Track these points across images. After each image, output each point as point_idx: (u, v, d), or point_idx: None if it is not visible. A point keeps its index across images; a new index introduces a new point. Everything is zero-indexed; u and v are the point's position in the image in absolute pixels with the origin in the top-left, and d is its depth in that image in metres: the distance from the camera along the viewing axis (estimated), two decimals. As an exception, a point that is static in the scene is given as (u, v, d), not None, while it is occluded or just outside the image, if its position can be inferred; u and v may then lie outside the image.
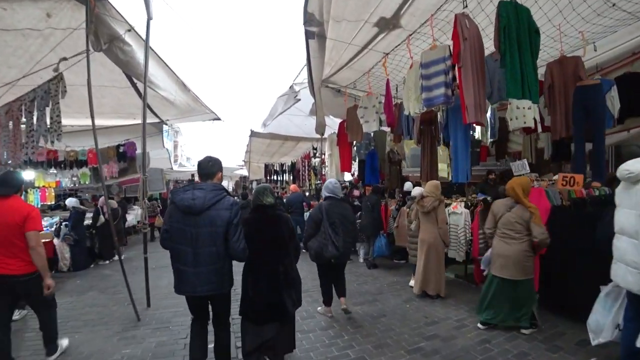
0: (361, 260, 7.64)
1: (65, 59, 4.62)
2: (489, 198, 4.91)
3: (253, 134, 12.02)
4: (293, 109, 9.17)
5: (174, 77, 6.04)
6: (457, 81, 4.02)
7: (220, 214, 2.75)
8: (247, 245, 2.84)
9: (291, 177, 16.22)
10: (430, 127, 6.18)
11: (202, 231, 2.72)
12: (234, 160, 23.59)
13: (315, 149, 11.57)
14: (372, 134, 7.82)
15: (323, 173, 10.07)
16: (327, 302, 4.59)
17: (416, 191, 5.26)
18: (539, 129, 4.66)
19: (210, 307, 3.01)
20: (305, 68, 5.83)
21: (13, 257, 3.17)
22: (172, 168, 14.19)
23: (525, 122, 4.65)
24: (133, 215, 11.72)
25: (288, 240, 3.16)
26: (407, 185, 7.12)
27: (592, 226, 3.14)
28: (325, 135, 8.49)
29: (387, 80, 5.66)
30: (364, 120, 6.18)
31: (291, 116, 9.75)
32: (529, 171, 4.70)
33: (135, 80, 5.92)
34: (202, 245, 2.73)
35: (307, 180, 13.15)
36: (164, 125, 9.31)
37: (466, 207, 5.50)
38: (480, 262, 4.32)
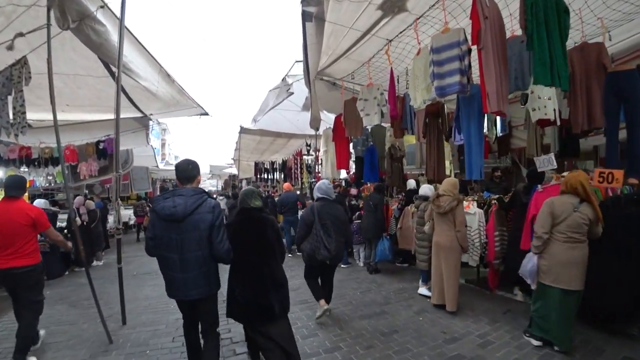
0: (361, 264, 7.22)
1: (21, 34, 4.05)
2: (505, 197, 4.50)
3: (243, 131, 11.51)
4: (285, 103, 8.69)
5: (156, 66, 5.52)
6: (473, 68, 3.60)
7: (203, 218, 2.75)
8: (233, 247, 2.87)
9: (282, 176, 15.72)
10: (436, 120, 5.76)
11: (186, 237, 2.72)
12: (223, 159, 23.00)
13: (309, 145, 11.06)
14: (369, 130, 7.39)
15: (317, 171, 9.56)
16: (319, 297, 4.42)
17: (424, 189, 4.85)
18: (557, 122, 4.26)
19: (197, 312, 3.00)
20: (299, 60, 5.40)
21: (16, 253, 3.47)
22: (157, 166, 13.54)
23: (545, 114, 4.25)
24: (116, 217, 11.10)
25: (274, 243, 3.16)
26: (411, 183, 6.71)
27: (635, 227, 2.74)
28: (320, 131, 8.03)
29: (391, 69, 5.22)
30: (364, 114, 5.73)
31: (283, 111, 9.26)
32: (555, 166, 4.29)
33: (114, 69, 5.38)
34: (188, 250, 2.73)
35: (299, 179, 12.66)
36: (150, 121, 8.78)
37: (479, 206, 5.09)
38: (523, 274, 3.61)
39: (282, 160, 15.59)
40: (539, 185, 4.14)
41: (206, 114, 8.47)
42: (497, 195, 4.97)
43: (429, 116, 5.80)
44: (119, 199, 4.37)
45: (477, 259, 4.91)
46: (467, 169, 4.42)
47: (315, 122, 6.54)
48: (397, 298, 5.24)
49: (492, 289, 4.97)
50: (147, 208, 12.13)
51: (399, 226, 6.43)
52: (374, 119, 5.63)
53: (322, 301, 4.35)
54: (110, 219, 10.50)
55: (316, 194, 4.42)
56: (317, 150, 8.33)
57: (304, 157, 12.60)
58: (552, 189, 3.87)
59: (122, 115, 8.04)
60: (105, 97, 6.65)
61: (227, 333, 4.11)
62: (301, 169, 12.67)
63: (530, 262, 3.50)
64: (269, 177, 17.05)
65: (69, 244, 4.27)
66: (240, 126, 11.27)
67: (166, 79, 5.97)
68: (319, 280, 4.48)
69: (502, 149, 7.40)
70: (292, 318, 3.49)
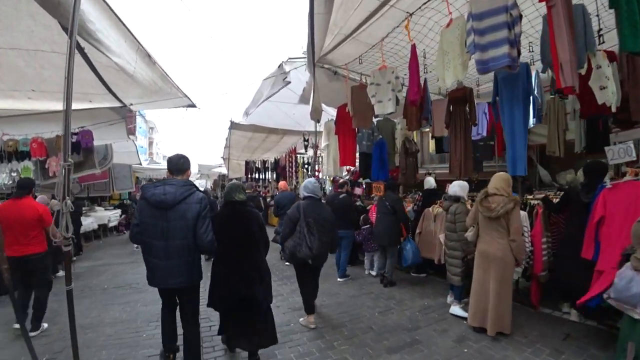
0: (373, 273, 6.48)
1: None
2: (551, 197, 3.79)
3: (233, 126, 10.69)
4: (281, 94, 7.93)
5: (133, 43, 4.69)
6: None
7: (190, 208, 2.88)
8: (217, 239, 2.99)
9: (274, 175, 14.91)
10: (462, 107, 5.05)
11: (173, 225, 2.85)
12: (213, 159, 22.18)
13: (307, 140, 10.23)
14: (375, 123, 6.66)
15: (317, 168, 8.76)
16: (309, 310, 4.41)
17: (455, 188, 4.14)
18: (613, 108, 3.55)
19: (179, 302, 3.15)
20: (296, 44, 4.66)
21: (26, 244, 4.15)
22: (140, 163, 12.62)
23: (612, 93, 3.48)
24: (93, 219, 10.16)
25: (258, 236, 3.27)
26: (430, 181, 5.99)
27: None
28: (321, 124, 7.26)
29: (413, 45, 4.48)
30: (375, 100, 4.99)
31: (279, 103, 8.49)
32: (634, 157, 3.53)
33: (83, 44, 4.54)
34: (173, 238, 2.85)
35: (293, 178, 11.86)
36: (130, 112, 7.92)
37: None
38: (622, 299, 2.63)
39: (275, 158, 14.79)
40: (608, 181, 3.43)
41: (193, 105, 7.65)
42: (542, 195, 4.27)
43: (454, 103, 5.09)
44: (67, 199, 2.89)
45: (521, 270, 4.18)
46: (510, 164, 3.72)
47: (315, 113, 5.79)
48: (426, 320, 4.45)
49: (536, 305, 4.26)
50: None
51: (417, 231, 5.72)
52: (387, 107, 4.90)
53: (312, 317, 4.35)
54: (87, 220, 9.59)
55: (303, 193, 4.42)
56: (316, 146, 7.56)
57: (301, 154, 11.81)
58: (628, 187, 3.16)
59: (97, 105, 7.22)
60: (76, 81, 5.69)
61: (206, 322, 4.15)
62: (296, 167, 11.88)
63: (635, 282, 2.52)
64: (261, 176, 16.22)
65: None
66: (231, 121, 10.45)
67: (145, 59, 5.15)
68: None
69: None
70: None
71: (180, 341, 3.22)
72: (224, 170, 18.49)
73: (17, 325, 3.97)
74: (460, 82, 4.79)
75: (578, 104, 5.41)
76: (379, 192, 6.14)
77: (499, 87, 3.76)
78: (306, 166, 11.79)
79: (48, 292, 4.45)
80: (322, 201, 4.58)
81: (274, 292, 3.60)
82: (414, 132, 6.93)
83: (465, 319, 4.17)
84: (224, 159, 15.36)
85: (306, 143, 10.31)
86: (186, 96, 7.02)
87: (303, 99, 8.02)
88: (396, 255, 5.88)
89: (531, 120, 4.91)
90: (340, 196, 6.14)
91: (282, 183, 7.80)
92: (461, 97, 5.03)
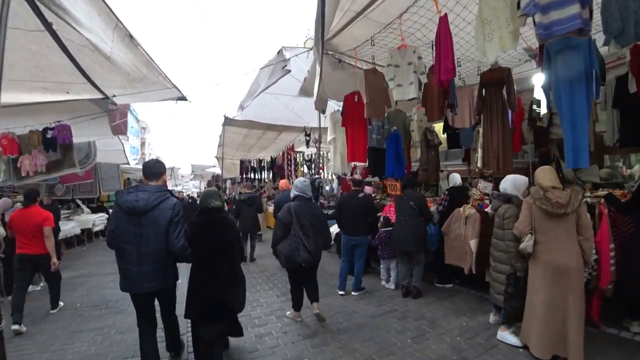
0: (390, 286, 5.70)
1: None
2: (621, 195, 3.13)
3: (227, 122, 10.02)
4: (280, 85, 7.29)
5: (109, 17, 4.00)
6: None
7: (163, 214, 2.92)
8: (193, 246, 3.02)
9: (271, 175, 14.24)
10: (498, 90, 4.41)
11: (145, 231, 2.88)
12: (206, 159, 21.53)
13: (309, 134, 9.50)
14: (386, 114, 6.03)
15: (321, 165, 8.04)
16: (297, 307, 4.47)
17: (507, 184, 3.47)
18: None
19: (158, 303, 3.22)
20: (298, 28, 4.04)
21: (37, 244, 4.85)
22: (128, 163, 11.87)
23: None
24: (75, 223, 9.41)
25: (234, 242, 3.28)
26: (454, 177, 5.34)
27: None
28: (325, 117, 6.60)
29: (444, 17, 3.79)
30: (394, 84, 4.35)
31: (278, 95, 7.84)
32: None
33: (50, 19, 3.84)
34: (145, 244, 2.89)
35: (292, 177, 11.16)
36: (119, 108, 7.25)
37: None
38: None
39: (271, 157, 14.11)
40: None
41: (184, 98, 7.00)
42: (605, 192, 3.63)
43: (488, 86, 4.44)
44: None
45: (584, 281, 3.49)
46: (571, 155, 3.04)
47: (320, 103, 5.15)
48: (473, 349, 3.59)
49: (599, 324, 3.61)
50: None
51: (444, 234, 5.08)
52: (408, 91, 4.26)
53: (299, 313, 4.44)
54: (67, 225, 8.82)
55: (293, 192, 4.35)
56: (318, 141, 6.89)
57: (302, 150, 11.10)
58: None
59: (75, 97, 6.48)
60: (48, 67, 5.07)
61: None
62: (295, 165, 11.19)
63: None
64: (256, 176, 15.53)
65: (54, 259, 5.03)
66: (225, 117, 9.77)
67: (126, 40, 4.46)
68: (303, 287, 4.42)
69: (539, 139, 6.12)
70: None
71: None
72: (218, 170, 17.77)
73: (15, 327, 4.34)
74: (496, 62, 4.19)
75: (612, 92, 4.82)
76: (395, 191, 5.47)
77: (551, 63, 3.09)
78: (307, 164, 11.04)
79: (59, 280, 5.33)
80: (313, 200, 4.49)
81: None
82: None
83: (519, 347, 3.46)
84: (217, 158, 14.66)
85: (308, 138, 9.55)
86: (175, 87, 6.35)
87: (304, 91, 7.36)
88: (423, 262, 5.19)
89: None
90: (360, 195, 5.31)
91: (282, 182, 7.07)
92: (498, 79, 4.38)
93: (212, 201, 3.26)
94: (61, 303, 5.33)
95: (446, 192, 5.35)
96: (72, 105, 6.47)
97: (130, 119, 36.20)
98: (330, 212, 6.96)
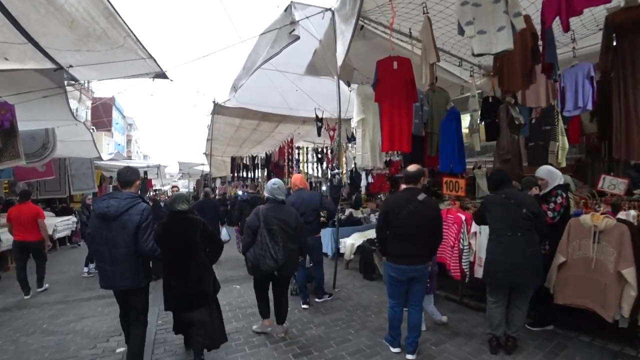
0: (443, 319, 4.22)
1: None
2: None
3: (217, 110, 8.60)
4: (280, 62, 5.96)
5: None
6: None
7: (131, 219, 3.16)
8: (162, 245, 3.28)
9: (265, 173, 12.81)
10: (634, 40, 3.06)
11: (115, 234, 3.14)
12: (194, 156, 20.08)
13: (321, 120, 7.86)
14: (422, 93, 4.69)
15: (347, 155, 6.48)
16: (265, 314, 4.15)
17: None
18: None
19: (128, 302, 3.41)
20: None
21: (30, 233, 5.90)
22: (100, 157, 10.39)
23: None
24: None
25: (199, 241, 3.46)
26: (555, 172, 3.81)
27: None
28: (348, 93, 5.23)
29: None
30: (474, 30, 2.99)
31: (281, 73, 6.49)
32: None
33: None
34: (116, 246, 3.15)
35: (293, 174, 9.72)
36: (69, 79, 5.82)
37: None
38: None
39: (266, 153, 12.70)
40: None
41: (163, 74, 5.67)
42: None
43: (624, 33, 3.08)
44: None
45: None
46: None
47: (346, 72, 3.78)
48: None
49: None
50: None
51: (562, 259, 3.52)
52: (496, 41, 2.89)
53: (267, 321, 4.15)
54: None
55: (265, 195, 4.21)
56: (331, 128, 5.50)
57: (305, 144, 9.64)
58: None
59: (16, 65, 5.03)
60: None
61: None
62: (297, 161, 9.74)
63: None
64: (249, 175, 14.08)
65: (48, 242, 6.50)
66: (214, 103, 8.34)
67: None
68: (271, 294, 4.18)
69: (604, 128, 4.85)
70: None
71: None
72: (207, 169, 16.32)
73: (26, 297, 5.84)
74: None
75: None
76: (458, 192, 4.05)
77: None
78: (319, 156, 9.44)
79: (44, 262, 6.28)
80: (284, 203, 4.08)
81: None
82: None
83: None
84: (206, 155, 13.20)
85: (320, 124, 7.77)
86: (151, 57, 4.99)
87: (312, 68, 6.01)
88: (529, 298, 3.50)
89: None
90: (420, 198, 3.38)
91: (297, 177, 5.28)
92: (635, 21, 3.02)
93: (179, 205, 3.50)
94: (46, 285, 6.30)
95: (564, 195, 3.65)
96: (14, 78, 5.02)
97: (115, 114, 34.47)
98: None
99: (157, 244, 3.24)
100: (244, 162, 14.23)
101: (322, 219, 5.44)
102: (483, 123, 5.08)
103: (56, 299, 5.84)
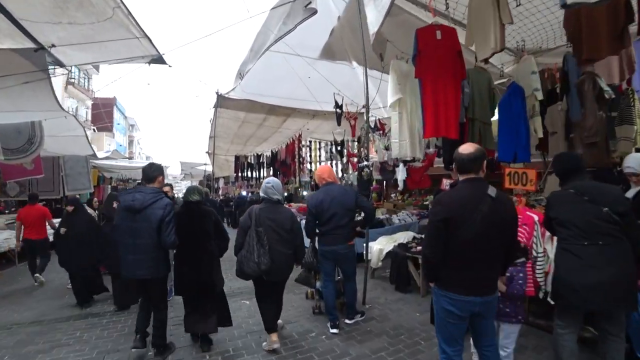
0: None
1: None
2: None
3: (220, 102, 7.95)
4: (293, 42, 5.32)
5: None
6: None
7: (155, 213, 3.38)
8: (177, 233, 3.45)
9: (271, 172, 12.14)
10: None
11: (139, 226, 3.40)
12: (196, 156, 19.54)
13: (340, 106, 6.84)
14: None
15: (369, 146, 5.59)
16: (269, 328, 3.75)
17: None
18: None
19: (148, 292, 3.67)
20: None
21: (37, 232, 6.48)
22: (94, 155, 9.76)
23: None
24: (10, 233, 7.29)
25: (211, 230, 3.74)
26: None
27: None
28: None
29: None
30: None
31: (289, 58, 5.82)
32: None
33: None
34: (139, 237, 3.39)
35: (305, 172, 9.06)
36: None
37: None
38: None
39: (272, 151, 12.04)
40: None
41: (161, 59, 5.05)
42: None
43: None
44: None
45: None
46: None
47: (379, 44, 3.10)
48: None
49: None
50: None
51: None
52: None
53: (275, 336, 3.70)
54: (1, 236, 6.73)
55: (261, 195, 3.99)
56: (351, 115, 4.77)
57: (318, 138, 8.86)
58: None
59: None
60: None
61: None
62: (309, 157, 9.02)
63: None
64: (254, 174, 13.43)
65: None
66: (217, 94, 7.69)
67: None
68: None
69: None
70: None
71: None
72: (209, 169, 15.70)
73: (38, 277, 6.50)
74: None
75: None
76: (529, 186, 3.27)
77: None
78: (338, 148, 8.58)
79: (48, 260, 6.71)
80: (280, 203, 3.86)
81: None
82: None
83: None
84: (208, 154, 12.57)
85: (339, 111, 6.85)
86: (146, 36, 4.35)
87: (327, 51, 5.36)
88: (624, 321, 2.63)
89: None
90: (493, 193, 2.26)
91: (324, 168, 4.38)
92: None
93: (192, 196, 3.75)
94: (43, 278, 6.55)
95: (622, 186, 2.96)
96: (-13, 58, 4.38)
97: (116, 115, 33.95)
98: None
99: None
100: (249, 160, 13.59)
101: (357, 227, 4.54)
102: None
103: (31, 317, 4.88)
